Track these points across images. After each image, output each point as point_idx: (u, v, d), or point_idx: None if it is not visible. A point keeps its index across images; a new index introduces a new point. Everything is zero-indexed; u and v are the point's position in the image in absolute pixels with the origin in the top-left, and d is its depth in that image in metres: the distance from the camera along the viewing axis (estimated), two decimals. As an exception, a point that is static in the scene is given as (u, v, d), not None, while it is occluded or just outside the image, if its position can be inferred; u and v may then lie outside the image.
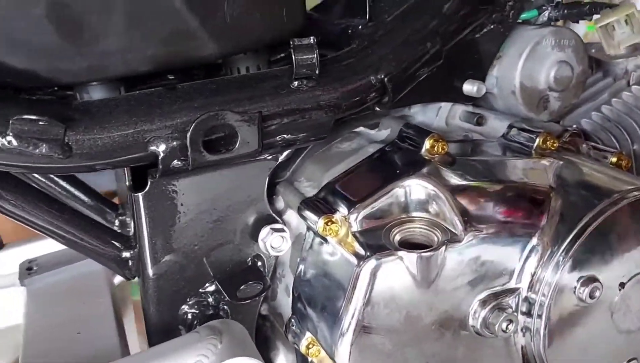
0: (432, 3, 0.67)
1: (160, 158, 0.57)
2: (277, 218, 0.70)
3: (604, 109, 0.94)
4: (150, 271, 0.66)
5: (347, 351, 0.61)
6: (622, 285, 0.66)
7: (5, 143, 0.50)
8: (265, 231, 0.68)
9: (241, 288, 0.67)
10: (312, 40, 0.58)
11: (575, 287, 0.63)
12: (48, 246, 0.93)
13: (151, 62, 0.55)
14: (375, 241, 0.62)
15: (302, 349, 0.70)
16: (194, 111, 0.56)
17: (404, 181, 0.64)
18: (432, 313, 0.63)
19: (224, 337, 0.61)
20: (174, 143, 0.56)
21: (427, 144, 0.67)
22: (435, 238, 0.62)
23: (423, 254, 0.60)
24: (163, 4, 0.52)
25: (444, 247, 0.60)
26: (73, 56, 0.50)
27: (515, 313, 0.64)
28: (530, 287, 0.65)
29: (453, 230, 0.62)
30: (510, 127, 0.76)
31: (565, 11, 0.75)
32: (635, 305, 0.67)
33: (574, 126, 0.92)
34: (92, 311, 0.75)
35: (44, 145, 0.51)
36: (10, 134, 0.50)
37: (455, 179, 0.65)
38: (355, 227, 0.63)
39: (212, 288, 0.69)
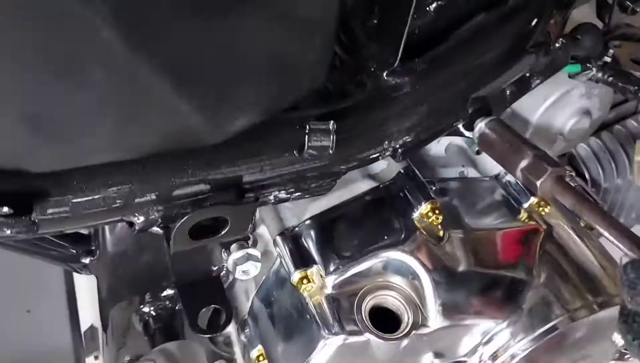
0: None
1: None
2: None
3: (604, 135, 0.90)
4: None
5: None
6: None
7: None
8: (239, 253, 0.65)
9: (202, 311, 0.66)
10: (331, 126, 0.50)
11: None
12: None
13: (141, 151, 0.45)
14: (346, 315, 0.61)
15: (253, 356, 0.72)
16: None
17: (389, 252, 0.62)
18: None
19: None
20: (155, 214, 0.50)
21: (424, 208, 0.63)
22: (406, 317, 0.62)
23: (389, 339, 0.60)
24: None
25: (411, 332, 0.61)
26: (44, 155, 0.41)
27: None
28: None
29: (424, 314, 0.62)
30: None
31: (611, 79, 0.66)
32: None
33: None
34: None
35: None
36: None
37: (441, 262, 0.63)
38: (330, 290, 0.62)
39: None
